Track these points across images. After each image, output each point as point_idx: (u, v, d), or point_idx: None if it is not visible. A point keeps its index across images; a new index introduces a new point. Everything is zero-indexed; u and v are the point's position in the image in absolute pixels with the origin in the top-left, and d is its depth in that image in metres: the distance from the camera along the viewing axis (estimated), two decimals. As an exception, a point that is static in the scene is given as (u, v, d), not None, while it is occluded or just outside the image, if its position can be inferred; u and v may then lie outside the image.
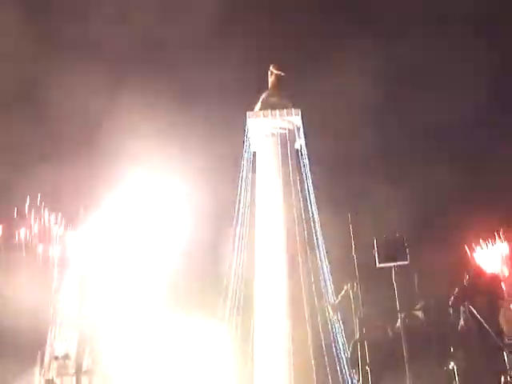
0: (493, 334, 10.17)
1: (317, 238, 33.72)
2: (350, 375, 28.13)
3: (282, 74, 38.60)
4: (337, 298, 28.71)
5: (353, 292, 15.84)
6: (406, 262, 13.78)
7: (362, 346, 13.45)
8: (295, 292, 31.81)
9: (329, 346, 30.64)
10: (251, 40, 41.94)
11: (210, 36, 34.35)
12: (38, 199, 26.66)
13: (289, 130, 36.98)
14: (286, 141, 36.70)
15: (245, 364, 30.28)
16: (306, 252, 33.39)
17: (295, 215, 34.16)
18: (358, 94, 39.13)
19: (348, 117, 40.23)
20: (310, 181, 35.57)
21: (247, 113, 37.16)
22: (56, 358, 21.87)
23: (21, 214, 26.46)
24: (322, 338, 30.66)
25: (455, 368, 11.03)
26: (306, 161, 36.33)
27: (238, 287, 32.13)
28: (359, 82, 38.44)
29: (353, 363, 10.55)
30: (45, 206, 26.94)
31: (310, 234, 33.91)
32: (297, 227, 33.76)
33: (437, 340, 12.08)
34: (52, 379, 22.02)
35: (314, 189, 35.26)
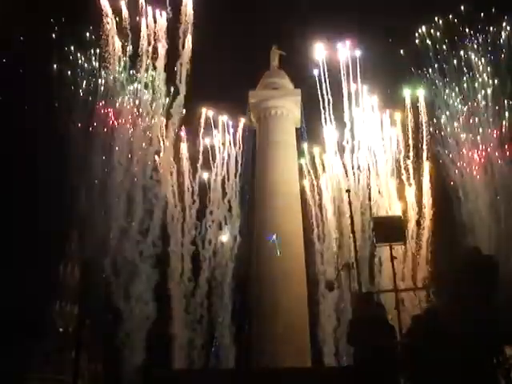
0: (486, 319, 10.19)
1: (316, 217, 33.98)
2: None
3: (284, 53, 38.85)
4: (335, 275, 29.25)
5: (350, 269, 16.04)
6: (402, 243, 13.90)
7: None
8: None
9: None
10: (254, 20, 41.66)
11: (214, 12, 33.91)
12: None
13: (289, 109, 36.93)
14: (286, 120, 36.73)
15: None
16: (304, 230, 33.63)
17: (295, 193, 34.36)
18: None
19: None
20: (308, 159, 35.96)
21: (249, 92, 37.19)
22: (57, 331, 22.21)
23: None
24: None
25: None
26: (306, 140, 36.63)
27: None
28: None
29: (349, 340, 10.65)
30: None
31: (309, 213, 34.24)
32: (296, 206, 34.00)
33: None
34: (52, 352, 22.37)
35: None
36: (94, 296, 24.71)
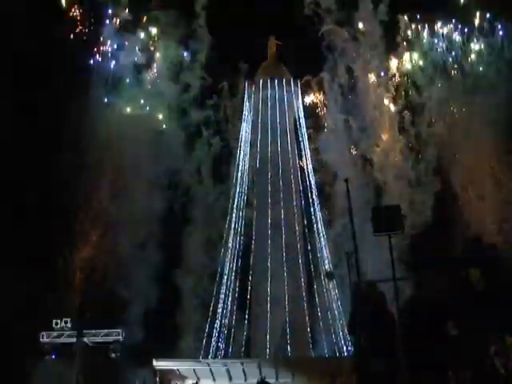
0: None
1: (314, 206, 34.03)
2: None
3: (280, 43, 39.03)
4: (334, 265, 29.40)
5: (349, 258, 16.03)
6: (401, 232, 13.77)
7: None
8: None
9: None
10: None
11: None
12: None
13: (287, 98, 37.25)
14: (284, 109, 37.06)
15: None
16: (304, 219, 33.86)
17: (293, 182, 34.80)
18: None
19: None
20: (307, 148, 36.10)
21: (246, 82, 37.75)
22: (56, 324, 22.24)
23: None
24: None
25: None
26: (304, 129, 36.74)
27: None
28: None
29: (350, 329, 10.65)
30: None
31: (307, 201, 34.38)
32: (294, 195, 34.44)
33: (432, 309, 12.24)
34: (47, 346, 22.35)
35: (311, 157, 35.69)
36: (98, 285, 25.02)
